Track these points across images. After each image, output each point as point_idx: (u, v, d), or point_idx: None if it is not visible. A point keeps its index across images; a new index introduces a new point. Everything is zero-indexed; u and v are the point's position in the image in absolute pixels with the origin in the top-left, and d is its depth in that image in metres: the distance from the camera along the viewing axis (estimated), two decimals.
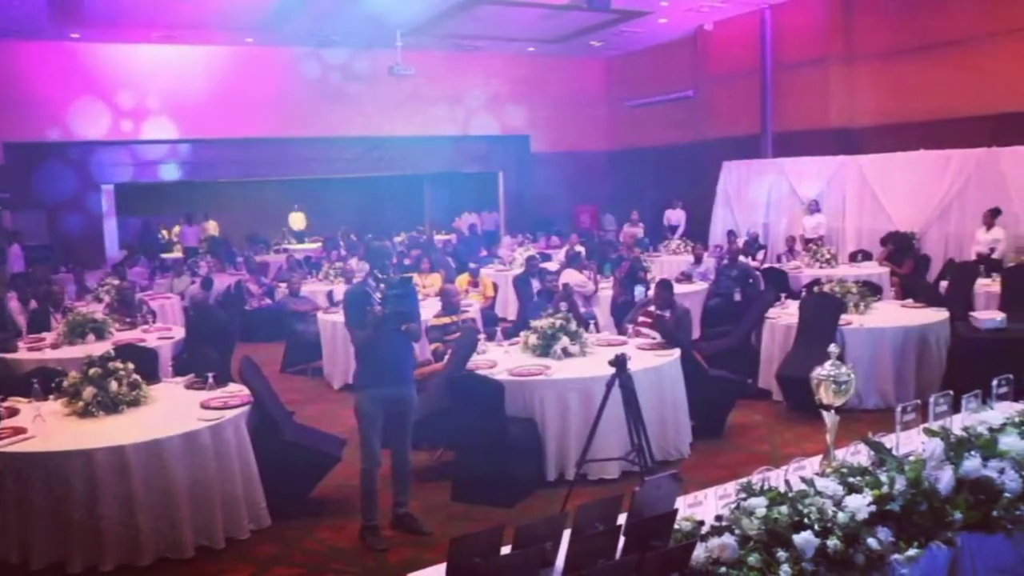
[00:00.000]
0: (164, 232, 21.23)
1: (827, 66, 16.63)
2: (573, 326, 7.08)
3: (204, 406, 5.73)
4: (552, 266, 12.32)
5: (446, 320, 8.17)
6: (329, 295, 11.62)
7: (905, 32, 15.48)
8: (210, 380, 6.24)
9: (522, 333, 7.35)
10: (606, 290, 10.48)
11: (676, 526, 3.12)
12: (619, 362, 5.25)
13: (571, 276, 10.23)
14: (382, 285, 5.28)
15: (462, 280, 11.50)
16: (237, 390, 6.17)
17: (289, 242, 20.65)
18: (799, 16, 16.87)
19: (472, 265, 12.43)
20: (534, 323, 7.20)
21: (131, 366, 5.97)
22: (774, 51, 17.59)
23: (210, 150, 19.63)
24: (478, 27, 17.62)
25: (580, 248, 13.10)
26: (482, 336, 7.73)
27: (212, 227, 21.02)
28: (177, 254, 19.85)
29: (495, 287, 11.96)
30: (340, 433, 6.72)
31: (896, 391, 7.70)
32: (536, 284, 10.51)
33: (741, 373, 8.00)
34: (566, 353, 6.86)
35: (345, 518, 5.86)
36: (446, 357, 7.12)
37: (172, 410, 5.79)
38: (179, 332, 9.39)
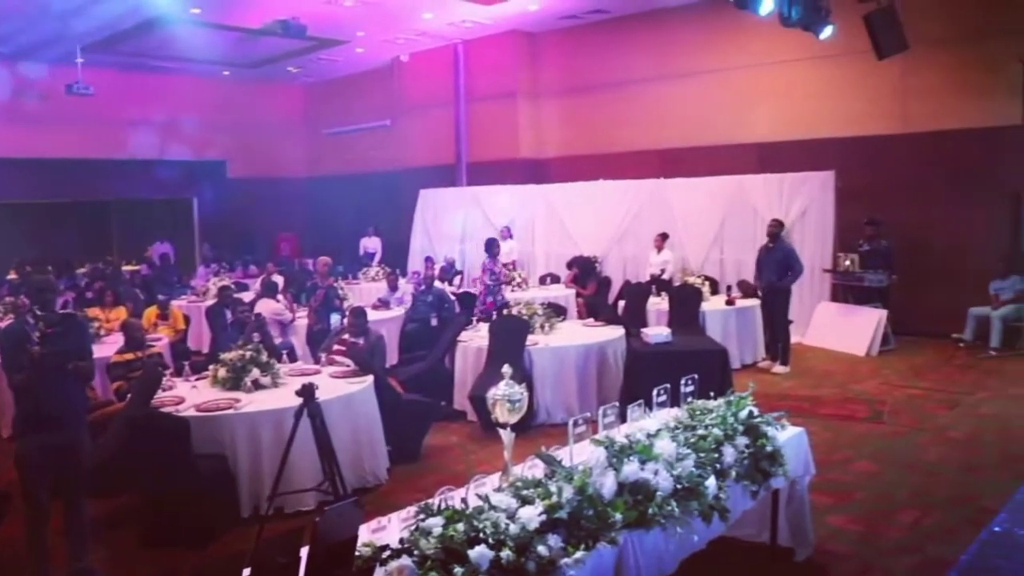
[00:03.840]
0: None
1: (516, 100, 17.57)
2: (265, 357, 6.92)
3: None
4: (250, 296, 11.96)
5: (129, 356, 7.66)
6: None
7: (583, 72, 16.77)
8: None
9: (211, 366, 7.08)
10: (304, 319, 10.33)
11: (358, 553, 3.12)
12: (306, 392, 5.19)
13: (267, 306, 10.00)
14: (42, 323, 4.86)
15: (150, 313, 10.85)
16: None
17: None
18: (490, 52, 17.68)
19: (161, 297, 11.75)
20: (223, 355, 6.97)
21: None
22: (467, 84, 18.31)
23: None
24: (168, 47, 16.85)
25: (277, 277, 12.81)
26: (169, 371, 7.35)
27: None
28: None
29: (187, 319, 11.40)
30: (3, 488, 6.09)
31: (580, 404, 8.19)
32: (230, 315, 10.14)
33: (437, 396, 8.18)
34: (257, 385, 6.69)
35: None
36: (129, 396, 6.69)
37: None
38: None
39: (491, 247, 11.96)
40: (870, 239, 12.15)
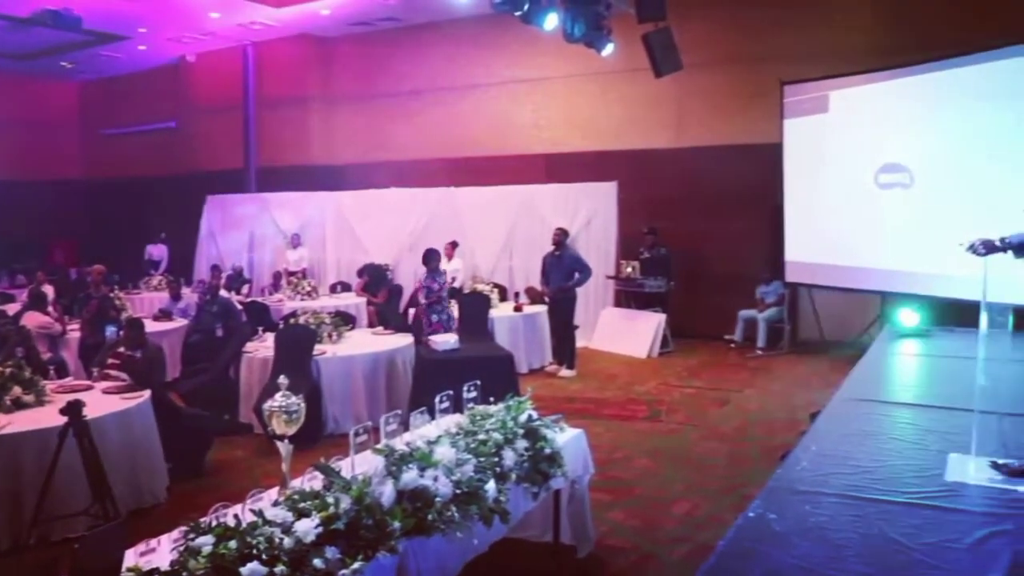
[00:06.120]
0: None
1: (308, 105, 17.32)
2: (28, 373, 6.45)
3: None
4: (16, 307, 11.13)
5: None
6: None
7: (376, 80, 16.76)
8: None
9: None
10: (77, 332, 9.72)
11: None
12: (71, 410, 4.90)
13: (34, 318, 9.34)
14: None
15: None
16: None
17: None
18: (281, 55, 17.34)
19: None
20: None
21: None
22: (257, 87, 17.86)
23: None
24: None
25: (48, 287, 11.99)
26: None
27: None
28: None
29: None
30: None
31: (369, 414, 8.11)
32: None
33: (221, 409, 7.92)
34: (19, 404, 6.21)
35: None
36: None
37: None
38: None
39: (429, 259, 9.68)
40: (650, 247, 12.83)
